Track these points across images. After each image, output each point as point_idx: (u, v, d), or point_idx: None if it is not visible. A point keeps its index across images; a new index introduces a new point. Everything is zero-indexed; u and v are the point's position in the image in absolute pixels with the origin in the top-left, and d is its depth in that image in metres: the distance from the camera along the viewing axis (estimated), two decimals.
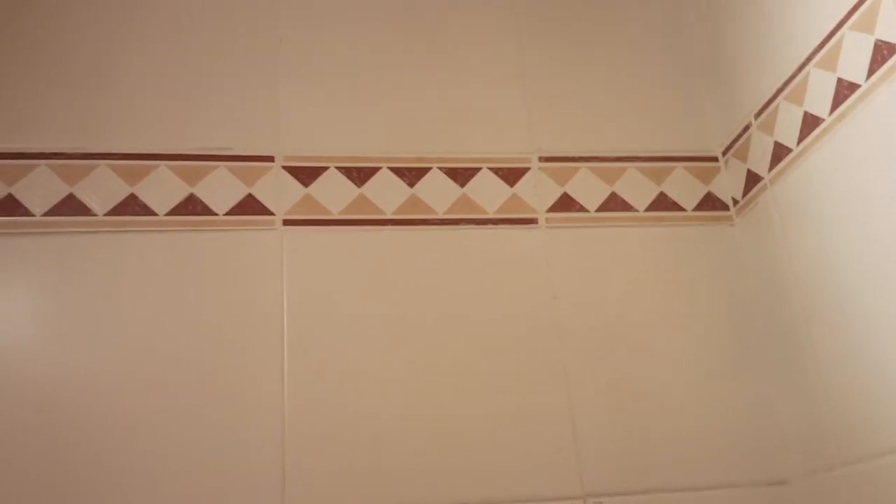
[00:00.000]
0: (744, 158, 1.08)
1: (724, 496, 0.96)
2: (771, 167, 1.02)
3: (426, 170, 1.06)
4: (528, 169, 1.09)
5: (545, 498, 0.93)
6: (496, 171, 1.08)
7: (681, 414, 0.99)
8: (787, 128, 0.98)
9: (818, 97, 0.92)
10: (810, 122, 0.94)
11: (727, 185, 1.12)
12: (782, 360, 1.01)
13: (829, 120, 0.91)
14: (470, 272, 1.02)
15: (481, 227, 1.05)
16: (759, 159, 1.04)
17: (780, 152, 1.00)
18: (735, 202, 1.11)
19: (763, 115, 1.03)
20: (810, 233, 0.95)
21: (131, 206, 0.97)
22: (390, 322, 0.98)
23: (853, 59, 0.86)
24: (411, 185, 1.05)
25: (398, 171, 1.05)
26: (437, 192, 1.05)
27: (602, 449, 0.96)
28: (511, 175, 1.08)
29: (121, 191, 0.98)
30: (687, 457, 0.97)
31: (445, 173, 1.06)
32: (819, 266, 0.94)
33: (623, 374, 1.00)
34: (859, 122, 0.86)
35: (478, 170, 1.07)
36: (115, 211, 0.97)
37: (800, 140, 0.96)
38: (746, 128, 1.07)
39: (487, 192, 1.06)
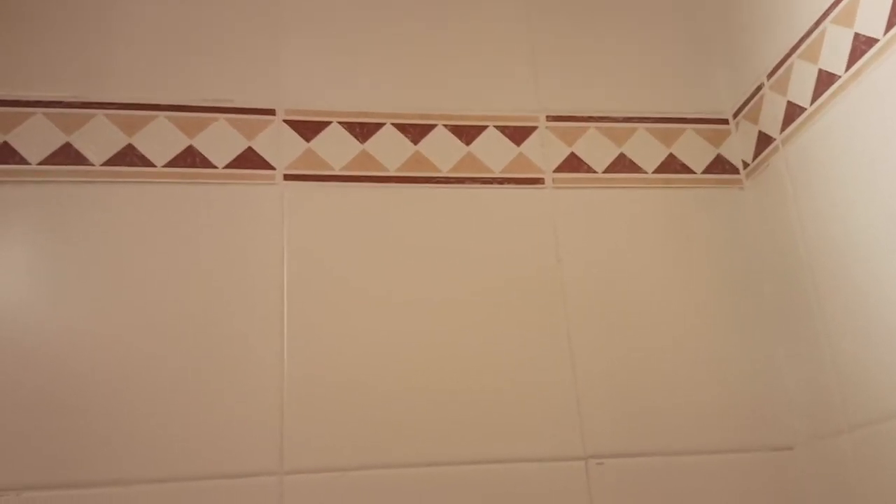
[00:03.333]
0: (755, 120, 1.06)
1: (729, 461, 0.95)
2: (783, 128, 1.00)
3: (431, 127, 1.04)
4: (535, 128, 1.07)
5: (546, 458, 0.92)
6: (502, 129, 1.06)
7: (685, 378, 0.98)
8: (800, 87, 0.96)
9: (834, 54, 0.90)
10: (825, 80, 0.91)
11: (737, 147, 1.10)
12: (790, 324, 0.99)
13: (844, 77, 0.88)
14: (474, 232, 1.01)
15: (486, 186, 1.03)
16: (770, 120, 1.02)
17: (792, 112, 0.98)
18: (745, 165, 1.09)
19: (776, 75, 1.01)
20: (822, 195, 0.93)
21: (129, 157, 0.95)
22: (391, 280, 0.96)
23: (871, 12, 0.84)
24: (415, 142, 1.03)
25: (402, 128, 1.03)
26: (442, 150, 1.03)
27: (605, 411, 0.95)
28: (518, 134, 1.06)
29: (118, 141, 0.96)
30: (691, 420, 0.96)
31: (450, 131, 1.04)
32: (830, 229, 0.92)
33: (627, 337, 0.99)
34: (876, 77, 0.84)
35: (484, 128, 1.05)
36: (113, 161, 0.95)
37: (814, 99, 0.94)
38: (759, 88, 1.05)
39: (493, 151, 1.04)
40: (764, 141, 1.04)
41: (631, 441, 0.94)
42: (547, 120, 1.07)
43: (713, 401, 0.97)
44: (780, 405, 0.98)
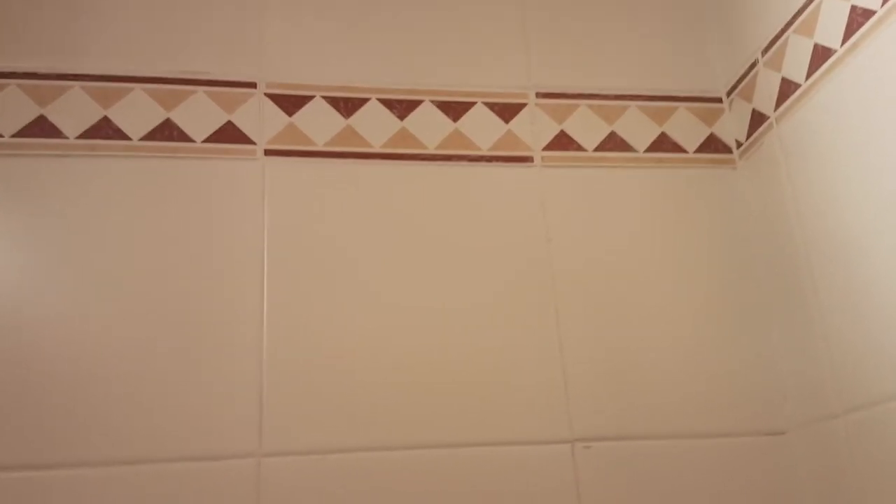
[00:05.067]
0: (749, 98, 1.03)
1: (719, 445, 0.93)
2: (777, 105, 0.97)
3: (417, 102, 1.01)
4: (524, 105, 1.04)
5: (532, 441, 0.89)
6: (491, 106, 1.03)
7: (676, 361, 0.96)
8: (795, 62, 0.93)
9: (830, 27, 0.87)
10: (820, 55, 0.89)
11: (731, 126, 1.08)
12: (783, 306, 0.97)
13: (840, 51, 0.86)
14: (460, 210, 0.98)
15: (474, 163, 1.00)
16: (765, 98, 1.00)
17: (787, 89, 0.95)
18: (738, 144, 1.07)
19: (771, 51, 0.98)
20: (817, 174, 0.91)
21: (104, 130, 0.92)
22: (375, 259, 0.94)
23: None
24: (401, 117, 1.00)
25: (388, 103, 1.00)
26: (429, 126, 1.01)
27: (593, 394, 0.93)
28: (506, 111, 1.03)
29: (94, 113, 0.93)
30: (681, 404, 0.94)
31: (438, 107, 1.02)
32: (825, 209, 0.89)
33: (617, 319, 0.97)
34: (873, 50, 0.81)
35: (472, 104, 1.03)
36: (87, 134, 0.92)
37: (809, 74, 0.91)
38: (753, 65, 1.02)
39: (481, 128, 1.02)
40: (757, 119, 1.02)
41: (619, 424, 0.92)
42: (537, 97, 1.05)
43: (704, 384, 0.95)
44: (772, 389, 0.96)
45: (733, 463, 0.92)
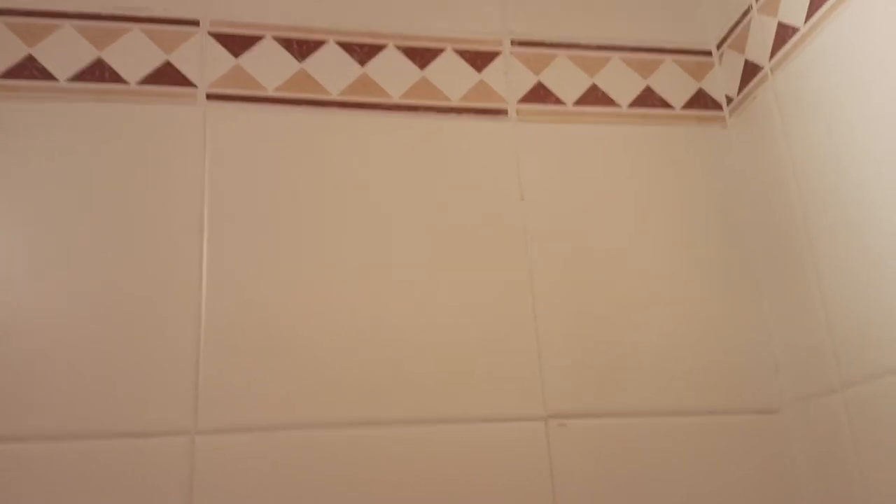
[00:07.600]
0: (741, 49, 0.95)
1: (704, 424, 0.86)
2: (772, 54, 0.89)
3: (381, 47, 0.93)
4: (498, 53, 0.96)
5: (502, 418, 0.82)
6: (462, 53, 0.95)
7: (659, 332, 0.88)
8: (794, 4, 0.85)
9: None
10: None
11: (721, 81, 1.00)
12: (778, 274, 0.90)
13: None
14: (426, 165, 0.90)
15: (442, 115, 0.92)
16: (759, 47, 0.92)
17: (784, 34, 0.87)
18: (729, 101, 0.99)
19: None
20: (815, 128, 0.83)
21: (28, 70, 0.83)
22: (328, 219, 0.85)
23: None
24: (362, 63, 0.92)
25: (347, 47, 0.92)
26: (393, 73, 0.92)
27: (569, 367, 0.85)
28: (479, 59, 0.95)
29: (16, 52, 0.84)
30: (664, 379, 0.87)
31: (403, 52, 0.93)
32: (824, 166, 0.82)
33: (596, 287, 0.89)
34: None
35: (441, 51, 0.94)
36: (9, 74, 0.83)
37: (808, 16, 0.83)
38: (746, 12, 0.94)
39: (451, 77, 0.94)
40: (750, 71, 0.94)
41: (597, 400, 0.84)
42: (512, 45, 0.97)
43: (689, 357, 0.88)
44: (763, 362, 0.89)
45: (719, 443, 0.86)
